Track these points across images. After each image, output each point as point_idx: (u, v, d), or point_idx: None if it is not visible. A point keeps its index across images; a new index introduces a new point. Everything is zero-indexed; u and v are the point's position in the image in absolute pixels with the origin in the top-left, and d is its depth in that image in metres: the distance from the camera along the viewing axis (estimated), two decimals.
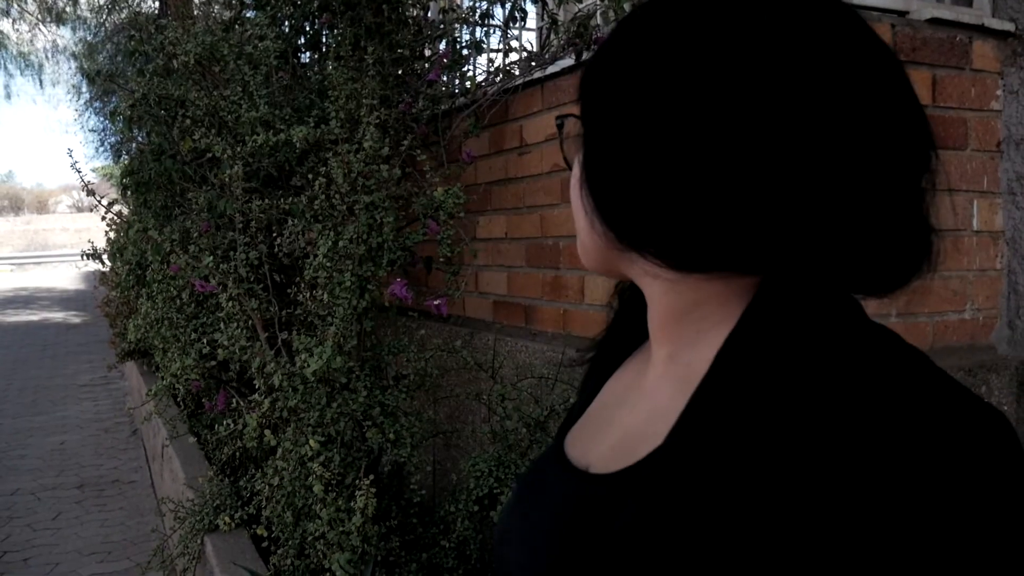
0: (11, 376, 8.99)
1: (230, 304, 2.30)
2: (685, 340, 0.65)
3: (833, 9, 0.61)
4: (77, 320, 12.88)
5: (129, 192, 3.13)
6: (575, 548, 0.64)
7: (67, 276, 21.52)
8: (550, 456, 0.77)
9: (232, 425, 2.42)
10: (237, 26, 3.25)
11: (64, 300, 15.51)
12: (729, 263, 0.59)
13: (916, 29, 2.35)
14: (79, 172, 3.37)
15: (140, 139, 3.14)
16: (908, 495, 0.50)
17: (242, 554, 2.78)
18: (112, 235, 4.36)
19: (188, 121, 2.83)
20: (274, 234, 2.58)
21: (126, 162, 3.18)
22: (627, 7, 2.42)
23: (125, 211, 4.72)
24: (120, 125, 3.06)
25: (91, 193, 3.38)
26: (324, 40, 3.53)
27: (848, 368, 0.55)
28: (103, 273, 7.07)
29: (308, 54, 3.86)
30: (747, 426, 0.55)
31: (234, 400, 2.94)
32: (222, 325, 2.32)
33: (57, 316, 13.44)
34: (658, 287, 0.66)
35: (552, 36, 3.09)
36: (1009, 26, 2.48)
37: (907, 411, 0.53)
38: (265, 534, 2.64)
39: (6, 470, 5.79)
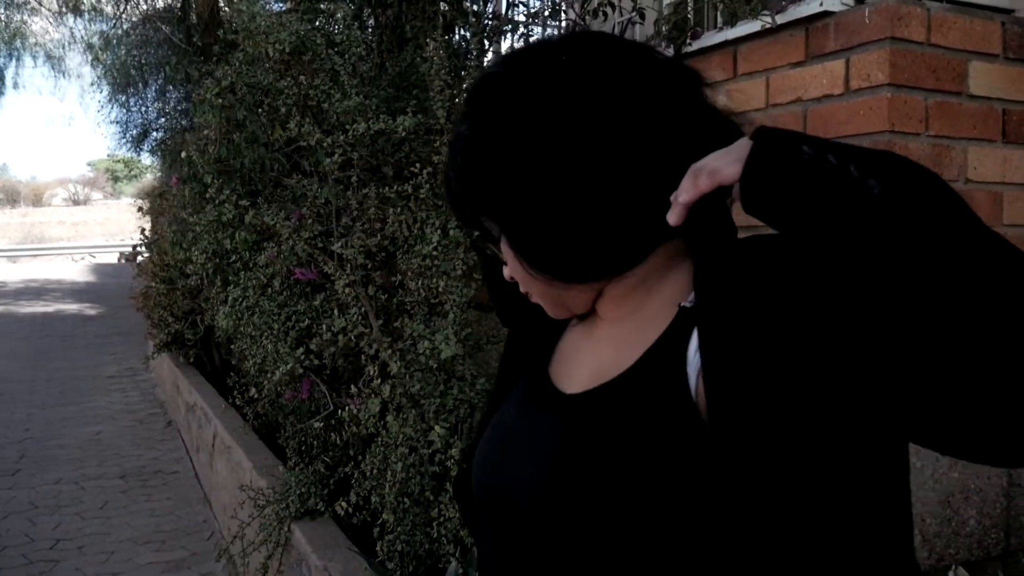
0: (35, 367, 8.97)
1: (346, 291, 2.31)
2: (640, 297, 0.83)
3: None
4: (92, 312, 12.84)
5: (206, 180, 3.13)
6: (579, 455, 0.76)
7: (71, 268, 21.45)
8: (519, 400, 0.90)
9: (346, 415, 2.42)
10: (322, 17, 3.26)
11: (76, 292, 15.46)
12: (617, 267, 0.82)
13: (1022, 26, 2.38)
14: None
15: (222, 126, 3.14)
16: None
17: (334, 541, 2.79)
18: (155, 224, 4.35)
19: (283, 109, 2.84)
20: (377, 224, 2.59)
21: (210, 153, 3.16)
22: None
23: (184, 202, 4.71)
24: (206, 113, 3.06)
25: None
26: (400, 30, 3.54)
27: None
28: (140, 264, 7.07)
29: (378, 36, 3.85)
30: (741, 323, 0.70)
31: (320, 389, 2.95)
32: (335, 312, 2.33)
33: (71, 308, 13.40)
34: (614, 285, 0.83)
35: (632, 28, 3.12)
36: None
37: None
38: (358, 520, 2.66)
39: (46, 459, 5.79)
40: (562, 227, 0.79)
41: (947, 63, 2.25)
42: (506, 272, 0.88)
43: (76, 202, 60.36)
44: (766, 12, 2.40)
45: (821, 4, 2.28)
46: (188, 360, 6.39)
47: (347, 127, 2.69)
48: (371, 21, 4.00)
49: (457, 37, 3.84)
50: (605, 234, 0.79)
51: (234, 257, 3.14)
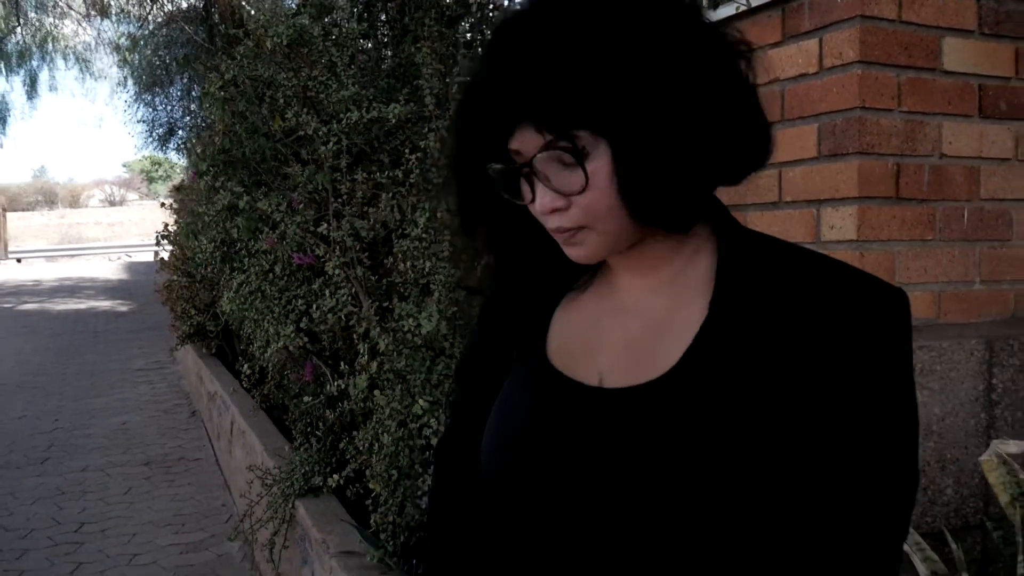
0: (67, 361, 9.22)
1: (337, 272, 2.41)
2: (677, 268, 0.85)
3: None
4: (124, 308, 13.12)
5: (214, 171, 3.24)
6: (616, 454, 0.79)
7: (105, 267, 21.87)
8: (534, 382, 0.89)
9: (335, 389, 2.53)
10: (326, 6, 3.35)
11: (108, 289, 15.79)
12: (692, 222, 0.83)
13: (1000, 3, 2.41)
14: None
15: (227, 118, 3.24)
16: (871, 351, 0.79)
17: (334, 515, 2.89)
18: (178, 219, 4.48)
19: (282, 100, 2.93)
20: (366, 207, 2.68)
21: (200, 143, 3.27)
22: None
23: (196, 195, 4.85)
24: (209, 106, 3.17)
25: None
26: (406, 19, 3.62)
27: (812, 259, 0.84)
28: (163, 259, 7.25)
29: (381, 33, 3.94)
30: (765, 311, 0.79)
31: (323, 370, 3.05)
32: (327, 292, 2.43)
33: (104, 304, 13.70)
34: (659, 243, 0.85)
35: None
36: None
37: (860, 291, 0.81)
38: (351, 493, 2.76)
39: (74, 448, 5.97)
40: (681, 150, 0.76)
41: (920, 39, 2.28)
42: (541, 208, 0.81)
43: (112, 203, 61.36)
44: None
45: None
46: (211, 351, 6.54)
47: (341, 116, 2.78)
48: (383, 16, 4.10)
49: (461, 29, 3.91)
50: (706, 171, 0.79)
51: (239, 245, 3.25)
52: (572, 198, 0.78)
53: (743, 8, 2.46)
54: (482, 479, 0.92)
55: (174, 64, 11.29)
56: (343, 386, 2.47)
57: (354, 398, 2.38)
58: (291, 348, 2.63)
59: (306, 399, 3.06)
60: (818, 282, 0.80)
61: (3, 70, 15.00)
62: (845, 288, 0.80)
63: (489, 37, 0.85)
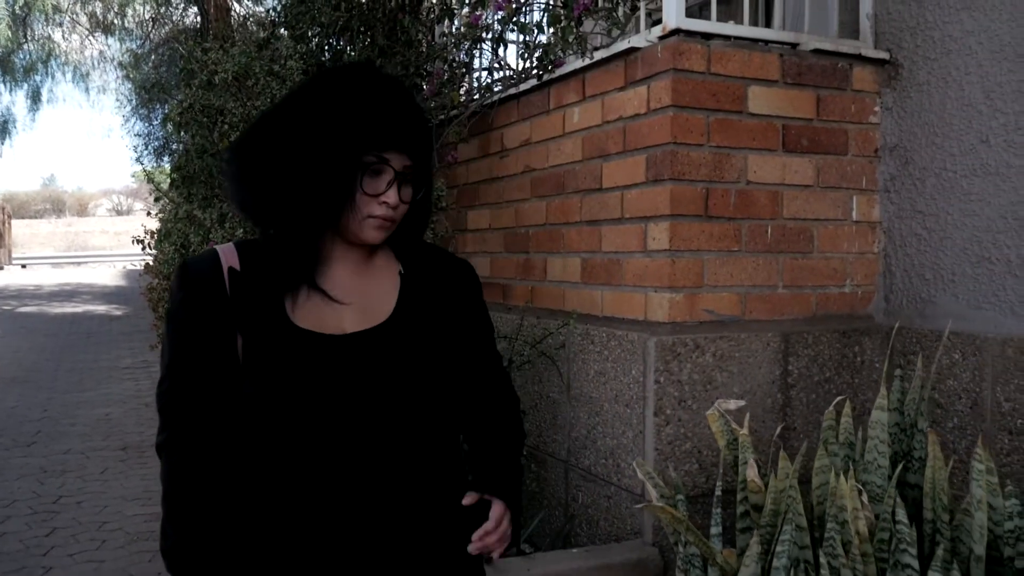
0: (59, 359, 9.77)
1: None
2: (380, 260, 1.44)
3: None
4: (118, 312, 13.69)
5: (176, 185, 3.79)
6: (372, 367, 1.36)
7: (107, 274, 22.46)
8: (283, 340, 1.34)
9: None
10: (270, 44, 3.89)
11: (106, 295, 16.37)
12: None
13: (802, 58, 2.94)
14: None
15: (186, 141, 3.79)
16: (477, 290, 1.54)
17: None
18: (157, 225, 5.04)
19: (227, 126, 3.48)
20: None
21: (173, 161, 3.83)
22: (571, 39, 3.03)
23: (167, 205, 5.40)
24: (170, 129, 3.72)
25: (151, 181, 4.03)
26: (345, 56, 4.17)
27: (432, 247, 1.54)
28: (147, 264, 7.80)
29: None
30: (428, 282, 1.45)
31: None
32: None
33: (100, 309, 14.27)
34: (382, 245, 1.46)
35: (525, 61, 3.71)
36: (884, 55, 3.06)
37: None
38: None
39: (59, 434, 6.50)
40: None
41: (727, 88, 2.82)
42: (395, 202, 1.34)
43: (119, 212, 62.03)
44: (591, 47, 3.00)
45: (629, 42, 2.87)
46: None
47: None
48: (334, 45, 4.65)
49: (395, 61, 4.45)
50: None
51: (194, 247, 3.79)
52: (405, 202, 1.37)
53: (589, 60, 3.00)
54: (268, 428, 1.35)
55: (172, 81, 11.89)
56: None
57: None
58: None
59: None
60: (439, 257, 1.52)
61: (9, 83, 15.73)
62: (451, 259, 1.53)
63: (369, 88, 1.34)
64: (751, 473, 1.94)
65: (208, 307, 1.34)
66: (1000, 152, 2.70)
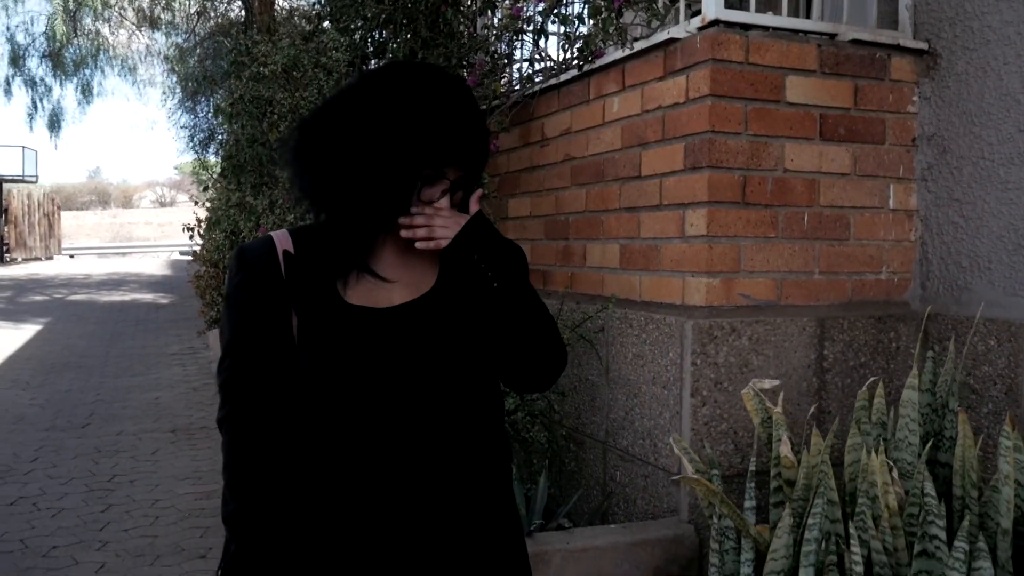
0: (110, 346, 10.05)
1: None
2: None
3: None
4: (165, 301, 14.01)
5: (226, 174, 3.92)
6: (426, 330, 1.43)
7: (152, 264, 22.93)
8: (336, 316, 1.41)
9: None
10: (315, 36, 4.00)
11: (152, 284, 16.75)
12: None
13: (840, 48, 2.99)
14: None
15: (236, 131, 3.92)
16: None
17: None
18: (206, 213, 5.19)
19: (275, 116, 3.60)
20: None
21: (219, 151, 3.96)
22: (612, 30, 3.10)
23: (216, 194, 5.56)
24: (221, 119, 3.85)
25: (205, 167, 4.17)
26: (388, 48, 4.28)
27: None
28: (195, 252, 8.00)
29: (375, 61, 4.63)
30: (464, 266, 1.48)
31: None
32: None
33: (147, 297, 14.61)
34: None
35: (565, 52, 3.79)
36: (923, 45, 3.09)
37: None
38: None
39: (111, 417, 6.72)
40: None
41: (764, 78, 2.87)
42: (446, 207, 1.41)
43: (163, 204, 63.10)
44: (631, 38, 3.07)
45: (668, 33, 2.94)
46: None
47: None
48: (377, 37, 4.76)
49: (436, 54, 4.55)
50: None
51: (244, 234, 3.92)
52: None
53: (630, 51, 3.07)
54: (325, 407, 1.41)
55: (217, 74, 12.13)
56: None
57: None
58: None
59: None
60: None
61: (59, 77, 16.15)
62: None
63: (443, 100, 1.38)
64: (784, 449, 2.01)
65: (264, 288, 1.40)
66: None
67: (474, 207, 1.45)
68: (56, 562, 3.98)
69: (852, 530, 1.80)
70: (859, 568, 1.72)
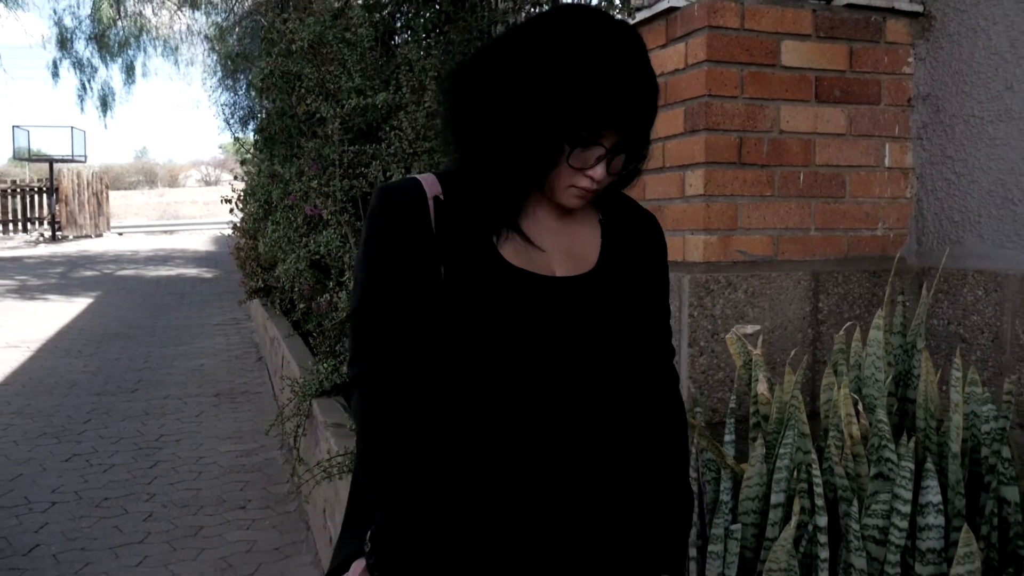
0: (156, 317, 10.45)
1: (331, 217, 3.26)
2: (582, 212, 1.37)
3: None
4: (208, 275, 14.44)
5: (259, 148, 4.14)
6: (592, 311, 1.32)
7: (197, 240, 23.48)
8: (495, 275, 1.26)
9: (324, 302, 3.40)
10: (344, 13, 4.20)
11: (197, 259, 17.23)
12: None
13: (835, 13, 3.10)
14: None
15: (267, 105, 4.14)
16: (664, 245, 1.49)
17: (337, 409, 3.78)
18: (243, 186, 5.42)
19: (303, 90, 3.81)
20: (362, 170, 3.54)
21: (258, 124, 4.18)
22: (617, 1, 3.25)
23: (252, 168, 5.81)
24: (254, 94, 4.07)
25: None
26: (412, 24, 4.45)
27: (625, 198, 1.46)
28: (234, 224, 8.30)
29: (403, 36, 4.81)
30: (626, 231, 1.41)
31: (334, 298, 3.94)
32: (324, 231, 3.28)
33: (191, 272, 15.06)
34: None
35: None
36: (918, 7, 3.19)
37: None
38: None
39: (158, 383, 7.06)
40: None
41: (760, 43, 3.00)
42: (601, 177, 1.25)
43: (208, 183, 64.07)
44: (635, 8, 3.21)
45: (669, 2, 3.08)
46: (274, 305, 7.55)
47: (344, 102, 3.64)
48: (406, 11, 4.94)
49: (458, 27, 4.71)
50: None
51: (275, 203, 4.16)
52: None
53: (633, 20, 3.22)
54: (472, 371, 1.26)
55: (255, 52, 12.40)
56: (331, 299, 3.35)
57: (340, 310, 3.24)
58: (300, 267, 3.53)
59: (324, 323, 3.95)
60: (629, 206, 1.45)
61: (106, 58, 16.59)
62: (640, 209, 1.47)
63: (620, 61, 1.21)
64: (762, 387, 2.18)
65: (412, 234, 1.24)
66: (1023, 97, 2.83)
67: None
68: (107, 511, 4.29)
69: (820, 459, 1.97)
70: (819, 489, 1.89)
